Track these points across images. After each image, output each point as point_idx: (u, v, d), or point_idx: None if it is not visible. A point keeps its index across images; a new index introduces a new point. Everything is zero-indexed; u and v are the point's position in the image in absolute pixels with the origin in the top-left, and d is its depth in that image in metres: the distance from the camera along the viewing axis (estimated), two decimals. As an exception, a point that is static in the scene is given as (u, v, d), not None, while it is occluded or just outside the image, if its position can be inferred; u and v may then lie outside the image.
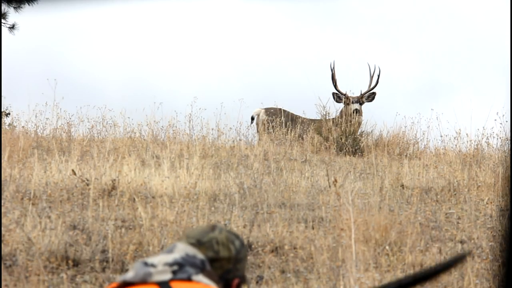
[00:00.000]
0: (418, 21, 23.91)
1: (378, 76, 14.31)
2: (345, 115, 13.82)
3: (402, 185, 9.89)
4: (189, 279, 2.91)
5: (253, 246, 7.71)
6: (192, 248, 2.99)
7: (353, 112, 13.89)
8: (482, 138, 11.80)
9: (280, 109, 14.26)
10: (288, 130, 13.51)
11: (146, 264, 2.96)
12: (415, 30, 24.30)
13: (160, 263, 2.94)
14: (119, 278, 2.98)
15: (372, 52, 24.29)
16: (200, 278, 2.93)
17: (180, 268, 2.93)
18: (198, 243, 3.02)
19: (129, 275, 2.93)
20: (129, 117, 12.68)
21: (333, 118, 13.88)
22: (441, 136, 12.49)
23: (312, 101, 14.14)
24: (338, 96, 14.21)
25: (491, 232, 7.95)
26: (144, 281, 2.90)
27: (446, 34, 23.55)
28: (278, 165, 10.86)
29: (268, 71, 23.94)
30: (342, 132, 13.45)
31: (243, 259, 3.07)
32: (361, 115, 13.98)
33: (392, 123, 13.76)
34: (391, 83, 21.50)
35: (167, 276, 2.91)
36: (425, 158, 12.03)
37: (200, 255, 2.99)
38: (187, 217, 8.01)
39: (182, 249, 2.99)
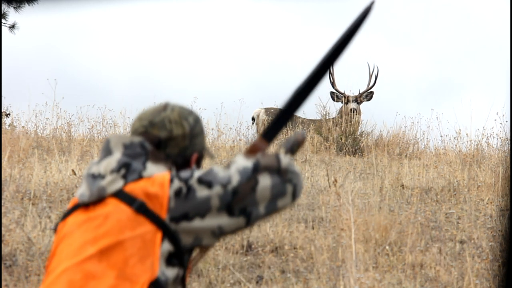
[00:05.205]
0: (420, 21, 23.92)
1: (376, 75, 14.33)
2: (344, 115, 13.84)
3: (402, 185, 9.89)
4: (140, 177, 2.84)
5: (253, 246, 7.71)
6: (125, 136, 2.92)
7: (351, 111, 13.90)
8: (482, 138, 11.80)
9: (280, 109, 14.26)
10: (288, 130, 13.51)
11: (94, 176, 2.87)
12: (417, 30, 24.29)
13: (107, 172, 2.85)
14: (77, 195, 2.91)
15: (373, 52, 24.28)
16: (149, 171, 2.86)
17: (128, 169, 2.85)
18: (151, 124, 2.94)
19: (86, 195, 2.86)
20: (129, 117, 12.70)
21: (333, 118, 13.89)
22: (441, 136, 12.51)
23: (312, 101, 14.16)
24: (336, 95, 14.22)
25: (491, 232, 7.94)
26: (101, 197, 2.83)
27: (447, 34, 23.55)
28: (278, 165, 10.85)
29: (268, 71, 23.95)
30: (342, 132, 13.45)
31: (199, 133, 2.99)
32: (359, 114, 13.99)
33: (392, 123, 13.78)
34: (391, 83, 21.51)
35: (119, 183, 2.83)
36: (425, 158, 12.03)
37: (136, 139, 2.91)
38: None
39: (117, 143, 2.90)
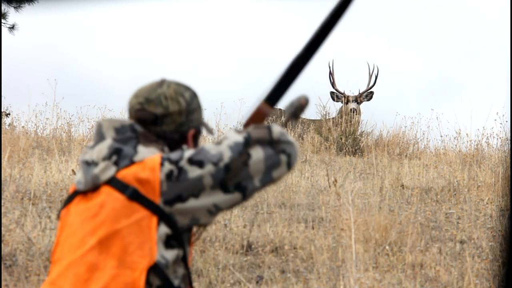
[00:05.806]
0: (420, 21, 23.92)
1: (376, 75, 14.34)
2: (344, 115, 13.85)
3: (402, 185, 9.89)
4: (132, 163, 2.84)
5: (253, 246, 7.71)
6: (116, 120, 2.92)
7: (351, 111, 13.91)
8: (482, 138, 11.80)
9: (280, 109, 14.26)
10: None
11: (88, 163, 2.87)
12: (417, 30, 24.29)
13: (99, 159, 2.85)
14: (75, 181, 2.92)
15: (373, 52, 24.29)
16: (141, 155, 2.85)
17: (119, 155, 2.85)
18: (147, 101, 2.94)
19: (82, 183, 2.87)
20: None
21: (333, 118, 13.90)
22: (441, 136, 12.51)
23: (312, 101, 14.14)
24: (336, 95, 14.23)
25: (491, 232, 7.94)
26: (96, 186, 2.84)
27: (447, 34, 23.55)
28: (278, 165, 10.84)
29: (269, 71, 23.94)
30: (342, 132, 13.45)
31: (196, 109, 2.98)
32: (359, 114, 14.00)
33: (392, 123, 13.78)
34: (391, 83, 21.51)
35: (111, 171, 2.83)
36: (425, 158, 12.03)
37: (127, 121, 2.92)
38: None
39: (109, 127, 2.91)
